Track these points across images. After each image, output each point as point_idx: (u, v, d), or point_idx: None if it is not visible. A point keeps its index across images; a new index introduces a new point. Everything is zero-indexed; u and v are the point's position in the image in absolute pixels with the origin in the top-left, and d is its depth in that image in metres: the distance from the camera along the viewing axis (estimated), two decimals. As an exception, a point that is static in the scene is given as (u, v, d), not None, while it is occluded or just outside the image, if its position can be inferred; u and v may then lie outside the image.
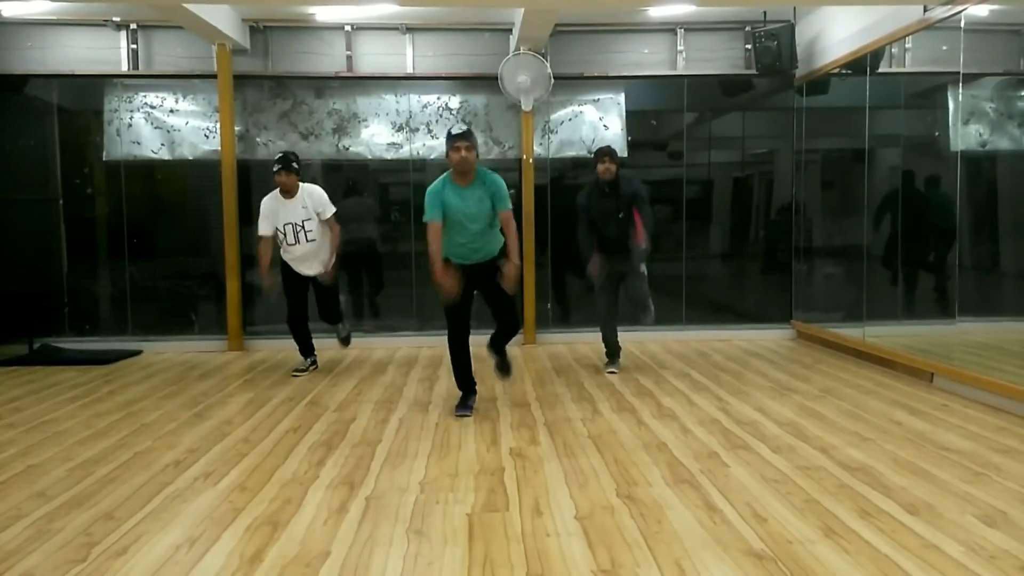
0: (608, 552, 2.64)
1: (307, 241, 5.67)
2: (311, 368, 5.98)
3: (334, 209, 5.78)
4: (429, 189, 4.48)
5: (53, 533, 2.85)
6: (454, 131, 4.40)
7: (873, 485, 3.26)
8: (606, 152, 5.57)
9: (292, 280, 5.82)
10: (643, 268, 5.65)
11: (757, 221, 7.98)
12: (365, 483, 3.38)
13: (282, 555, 2.65)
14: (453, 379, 4.75)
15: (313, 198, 5.70)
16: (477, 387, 4.77)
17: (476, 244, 4.52)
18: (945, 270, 5.54)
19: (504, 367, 4.83)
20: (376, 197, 7.56)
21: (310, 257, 5.72)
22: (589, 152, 7.38)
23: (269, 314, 7.19)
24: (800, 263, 7.48)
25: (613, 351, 5.95)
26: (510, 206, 4.54)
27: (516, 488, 3.30)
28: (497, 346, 4.78)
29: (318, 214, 5.68)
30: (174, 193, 7.49)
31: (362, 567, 2.56)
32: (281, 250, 5.76)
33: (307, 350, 5.99)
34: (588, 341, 7.00)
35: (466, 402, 4.68)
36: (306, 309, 5.87)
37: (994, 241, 5.49)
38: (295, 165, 5.67)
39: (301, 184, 5.72)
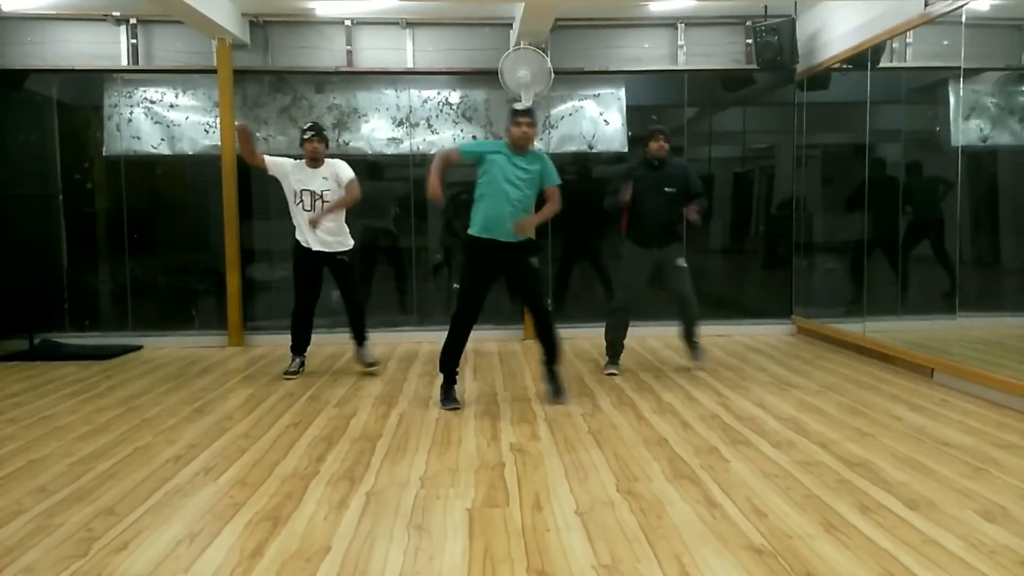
0: (608, 547, 2.65)
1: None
2: (300, 370, 5.71)
3: (353, 175, 5.60)
4: (485, 140, 4.56)
5: (54, 528, 2.86)
6: (518, 106, 4.60)
7: (873, 480, 3.27)
8: (660, 131, 5.42)
9: (304, 265, 5.58)
10: (682, 262, 5.52)
11: (758, 216, 7.98)
12: (365, 478, 3.39)
13: (282, 550, 2.65)
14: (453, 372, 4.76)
15: (336, 168, 5.57)
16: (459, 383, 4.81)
17: (514, 214, 4.51)
18: (945, 264, 5.53)
19: (558, 391, 4.76)
20: (377, 191, 7.55)
21: (324, 232, 5.49)
22: (590, 147, 7.40)
23: (270, 310, 7.21)
24: (800, 258, 7.48)
25: (615, 351, 5.73)
26: (559, 182, 4.70)
27: (516, 483, 3.30)
28: (549, 362, 4.78)
29: (339, 182, 5.53)
30: (174, 188, 7.48)
31: (362, 562, 2.56)
32: (296, 228, 5.55)
33: (300, 347, 5.73)
34: (588, 336, 7.00)
35: (449, 393, 4.71)
36: (314, 302, 5.67)
37: (995, 236, 5.48)
38: (326, 134, 5.59)
39: (327, 159, 5.60)
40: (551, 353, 4.79)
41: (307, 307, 5.69)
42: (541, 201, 4.74)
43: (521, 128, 4.48)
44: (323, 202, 5.50)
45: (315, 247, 5.52)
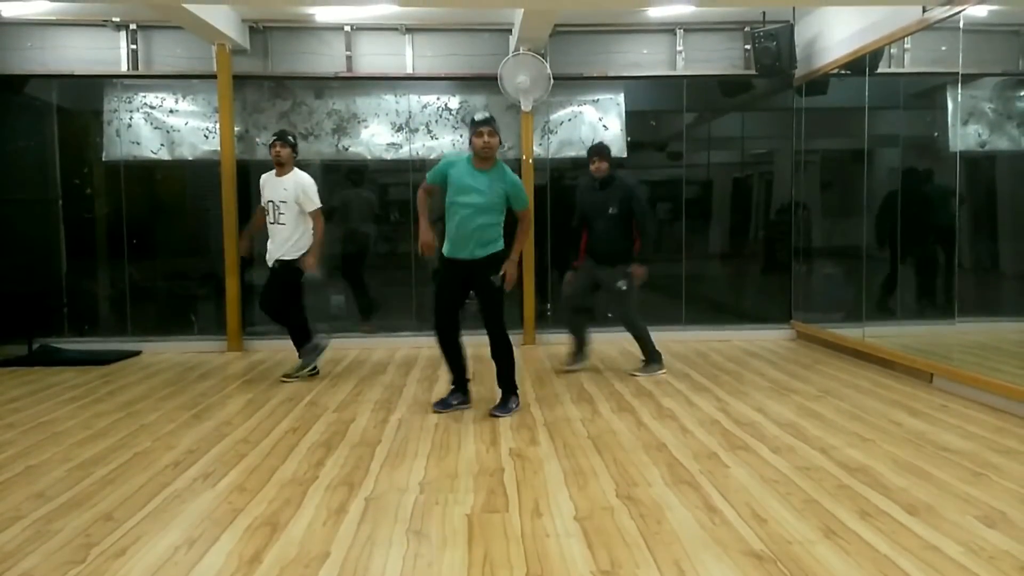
0: (608, 553, 2.64)
1: (279, 224, 5.55)
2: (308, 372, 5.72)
3: (318, 204, 5.60)
4: (446, 154, 4.63)
5: (52, 534, 2.85)
6: (478, 117, 4.52)
7: (873, 486, 3.27)
8: (596, 151, 5.56)
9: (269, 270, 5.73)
10: (623, 285, 5.51)
11: (756, 221, 7.99)
12: (364, 484, 3.38)
13: (281, 556, 2.65)
14: (452, 379, 4.77)
15: (298, 185, 5.53)
16: (470, 388, 4.81)
17: (466, 232, 4.47)
18: (945, 270, 5.54)
19: (507, 406, 4.65)
20: (376, 196, 7.56)
21: (276, 241, 5.58)
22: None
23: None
24: (799, 263, 7.48)
25: (577, 346, 5.88)
26: (528, 206, 4.66)
27: (516, 489, 3.30)
28: (502, 381, 4.72)
29: (298, 203, 5.52)
30: (173, 193, 7.49)
31: (361, 568, 2.56)
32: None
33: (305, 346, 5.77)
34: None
35: (447, 399, 4.74)
36: (279, 302, 5.69)
37: (993, 241, 5.49)
38: (291, 139, 5.65)
39: (296, 169, 5.63)
40: (503, 377, 4.71)
41: (270, 309, 5.75)
42: (511, 223, 4.63)
43: (483, 138, 4.42)
44: (279, 213, 5.56)
45: (268, 257, 5.67)
